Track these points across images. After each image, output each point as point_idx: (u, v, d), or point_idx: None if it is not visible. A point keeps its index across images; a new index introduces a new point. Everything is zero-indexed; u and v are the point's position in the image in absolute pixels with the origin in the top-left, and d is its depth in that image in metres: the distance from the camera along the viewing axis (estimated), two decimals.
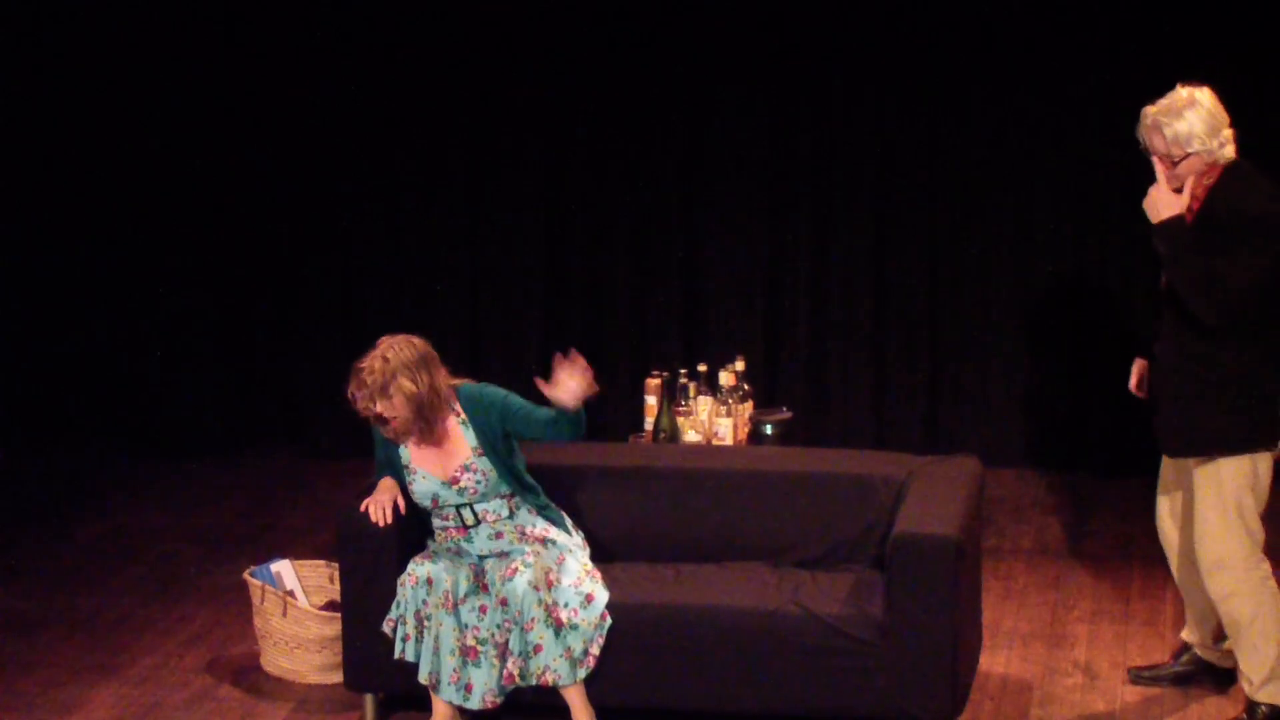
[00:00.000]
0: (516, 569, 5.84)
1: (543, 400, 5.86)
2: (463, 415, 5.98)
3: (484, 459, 5.97)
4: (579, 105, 8.75)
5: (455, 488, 5.96)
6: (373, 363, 5.83)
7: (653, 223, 8.84)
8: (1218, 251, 5.64)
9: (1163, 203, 5.70)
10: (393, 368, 5.81)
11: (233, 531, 8.10)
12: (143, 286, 9.15)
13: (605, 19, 8.64)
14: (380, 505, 5.96)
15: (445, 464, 5.97)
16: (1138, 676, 6.40)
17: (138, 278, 9.14)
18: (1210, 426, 5.77)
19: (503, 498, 6.01)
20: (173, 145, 8.97)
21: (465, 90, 8.80)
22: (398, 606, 5.92)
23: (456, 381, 6.02)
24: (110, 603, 7.31)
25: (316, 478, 8.78)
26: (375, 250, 9.03)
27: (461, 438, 5.98)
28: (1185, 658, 6.34)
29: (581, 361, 5.83)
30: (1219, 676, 6.23)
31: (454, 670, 5.87)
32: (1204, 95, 5.73)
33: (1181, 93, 5.74)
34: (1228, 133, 5.74)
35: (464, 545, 6.01)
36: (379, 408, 5.82)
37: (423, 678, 5.90)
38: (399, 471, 6.04)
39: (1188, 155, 5.70)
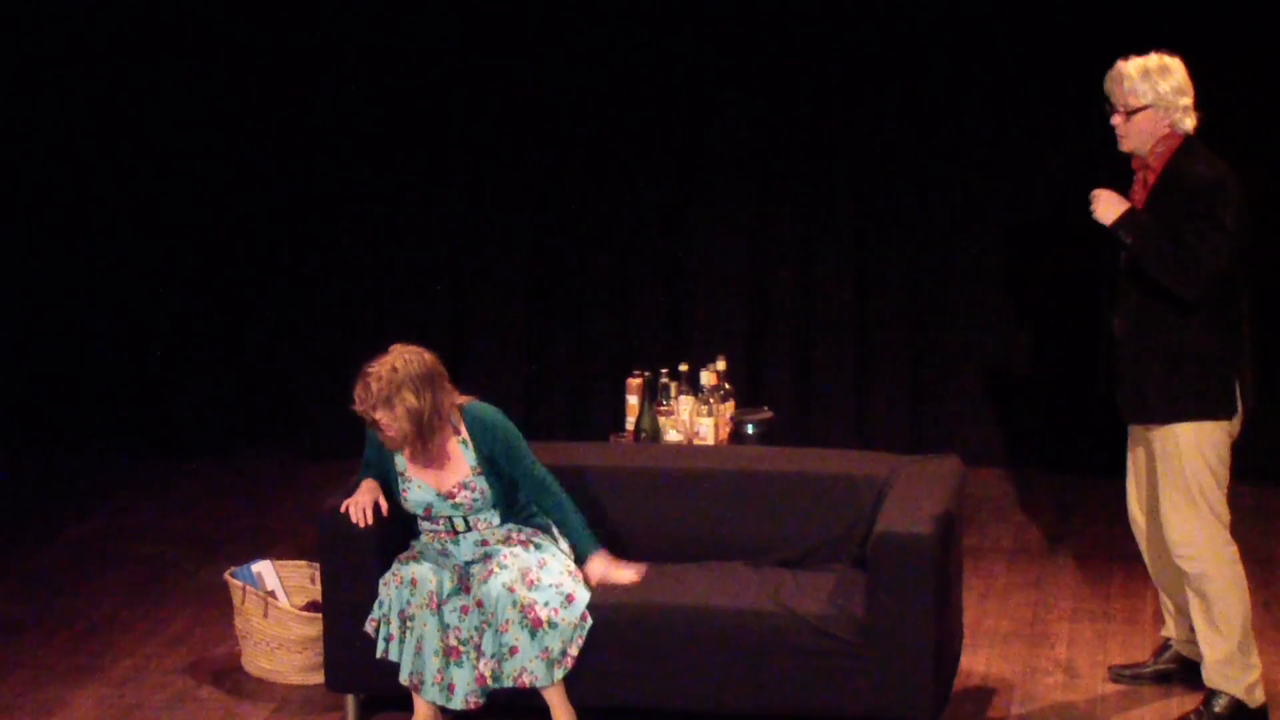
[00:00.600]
0: (493, 570, 5.85)
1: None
2: (464, 434, 5.96)
3: (482, 478, 5.97)
4: (565, 107, 8.76)
5: (450, 502, 5.97)
6: (381, 369, 5.80)
7: (635, 223, 8.85)
8: (1180, 218, 5.72)
9: (1107, 203, 5.84)
10: (400, 379, 5.77)
11: (216, 532, 8.09)
12: (136, 288, 9.15)
13: (595, 22, 8.66)
14: (361, 507, 5.96)
15: (441, 479, 5.97)
16: (1118, 675, 6.41)
17: (131, 279, 9.14)
18: (1167, 393, 5.85)
19: (495, 509, 6.01)
20: (166, 146, 8.97)
21: (453, 91, 8.80)
22: (380, 606, 5.92)
23: (463, 400, 6.00)
24: (92, 604, 7.30)
25: (303, 478, 8.77)
26: (364, 249, 9.03)
27: (461, 457, 5.97)
28: (1166, 655, 6.36)
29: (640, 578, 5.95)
30: (1200, 674, 6.24)
31: (437, 671, 5.87)
32: (1175, 63, 5.86)
33: (1155, 55, 5.86)
34: (1188, 102, 5.83)
35: (450, 548, 6.01)
36: (379, 416, 5.80)
37: (405, 678, 5.90)
38: (389, 475, 6.03)
39: (1144, 108, 5.79)
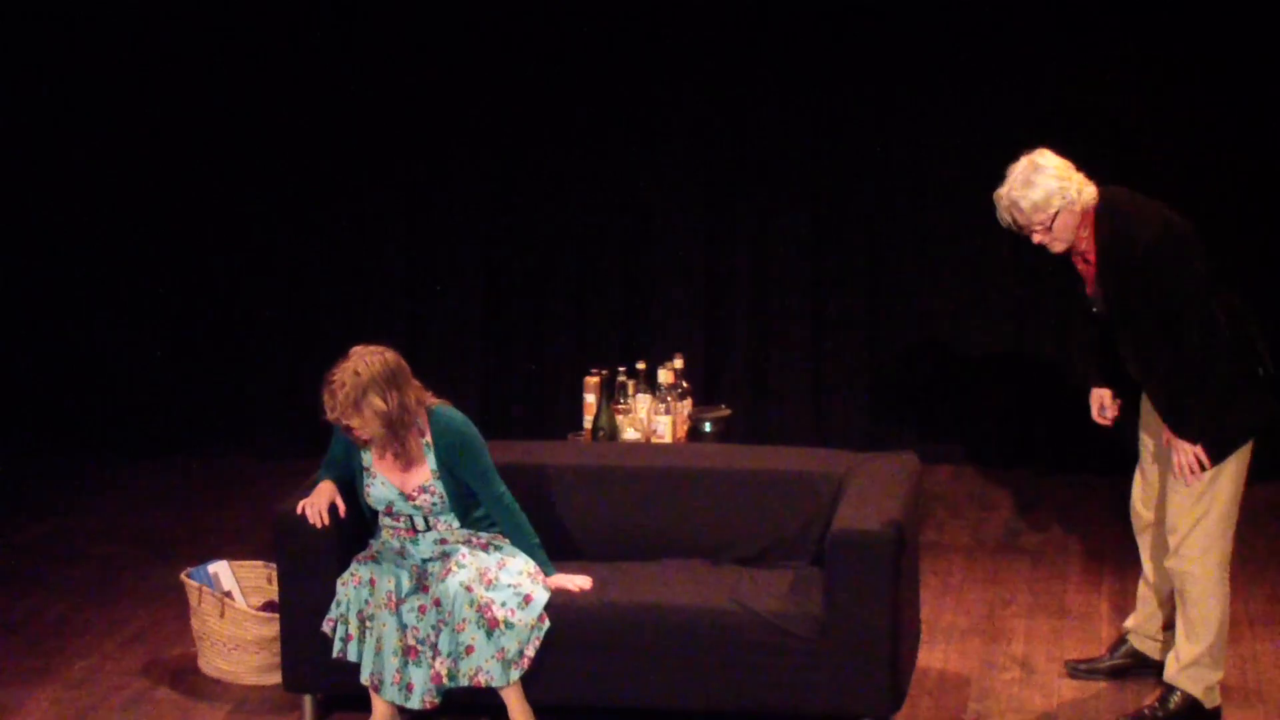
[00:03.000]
0: (451, 569, 5.84)
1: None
2: (428, 437, 5.94)
3: (439, 483, 5.95)
4: (521, 107, 8.75)
5: (412, 502, 5.96)
6: (344, 376, 5.74)
7: (592, 222, 8.85)
8: (1136, 285, 5.71)
9: (1189, 460, 5.80)
10: (364, 383, 5.72)
11: (171, 533, 8.06)
12: (89, 288, 9.10)
13: (551, 22, 8.65)
14: (317, 508, 5.94)
15: (406, 479, 5.96)
16: (1074, 670, 6.44)
17: (84, 279, 9.09)
18: (1222, 432, 5.83)
19: (454, 514, 6.01)
20: (117, 151, 8.93)
21: (408, 93, 8.79)
22: (338, 606, 5.91)
23: (434, 402, 5.97)
24: (47, 605, 7.26)
25: (258, 479, 8.75)
26: (319, 250, 9.01)
27: (423, 459, 5.95)
28: (1122, 650, 6.39)
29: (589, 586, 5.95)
30: (1155, 669, 6.27)
31: (396, 670, 5.86)
32: (1044, 156, 5.81)
33: (1021, 162, 5.81)
34: (1079, 177, 5.79)
35: (409, 546, 6.00)
36: (351, 422, 5.76)
37: (365, 678, 5.89)
38: (354, 470, 6.02)
39: (1056, 214, 5.75)
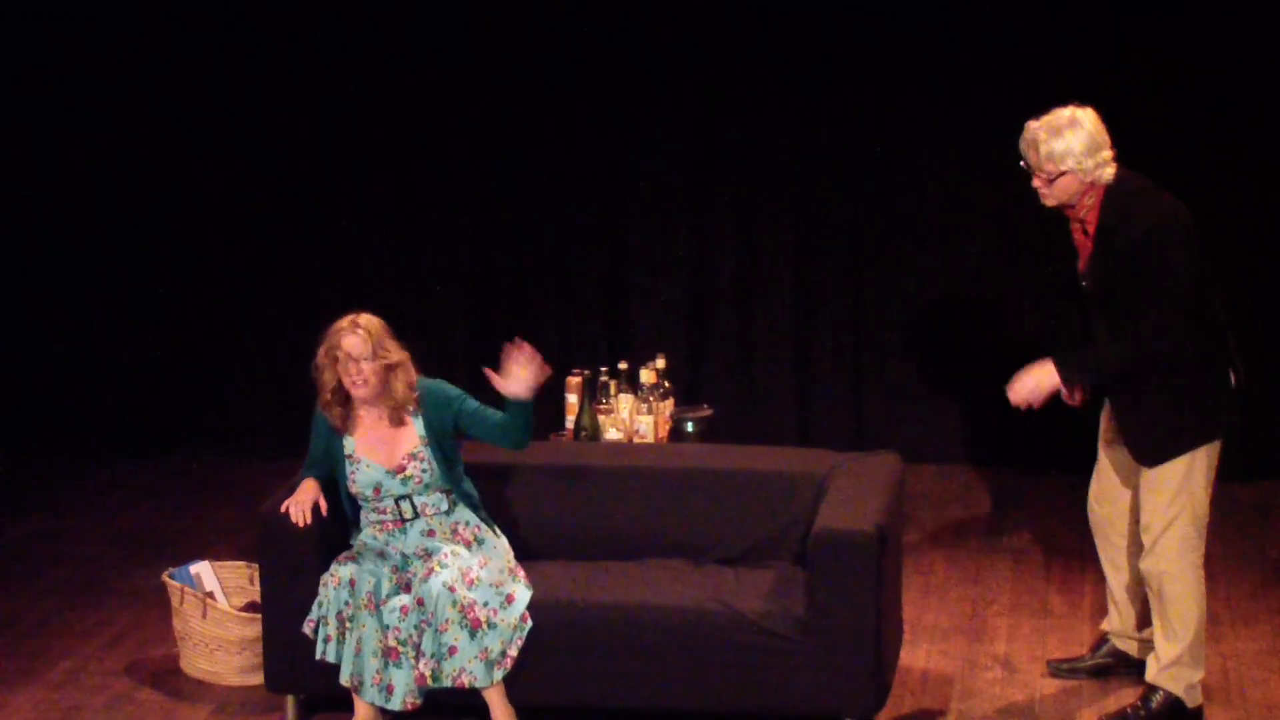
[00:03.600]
0: (433, 569, 5.84)
1: (493, 399, 5.90)
2: (413, 405, 6.00)
3: (429, 449, 5.98)
4: (503, 106, 8.74)
5: (400, 476, 5.97)
6: (368, 323, 5.89)
7: (574, 220, 8.84)
8: (1131, 274, 5.71)
9: (1036, 382, 5.83)
10: (381, 330, 5.90)
11: (154, 534, 8.05)
12: (70, 289, 9.07)
13: (534, 23, 8.64)
14: (300, 507, 5.95)
15: (391, 452, 5.97)
16: (1056, 669, 6.45)
17: (65, 280, 9.06)
18: (1175, 430, 5.83)
19: (443, 492, 6.02)
20: (113, 151, 8.92)
21: (389, 93, 8.78)
22: (319, 607, 5.91)
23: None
24: (29, 605, 7.25)
25: (239, 479, 8.73)
26: (301, 251, 8.99)
27: (411, 426, 5.99)
28: (1103, 650, 6.40)
29: (529, 349, 5.91)
30: (1137, 668, 6.28)
31: (376, 672, 5.85)
32: (1086, 116, 5.78)
33: (1064, 112, 5.79)
34: (1107, 154, 5.78)
35: (394, 541, 6.00)
36: (363, 366, 5.83)
37: (345, 679, 5.88)
38: (337, 463, 6.03)
39: (1062, 173, 5.76)
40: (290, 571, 5.99)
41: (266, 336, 9.02)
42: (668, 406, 6.99)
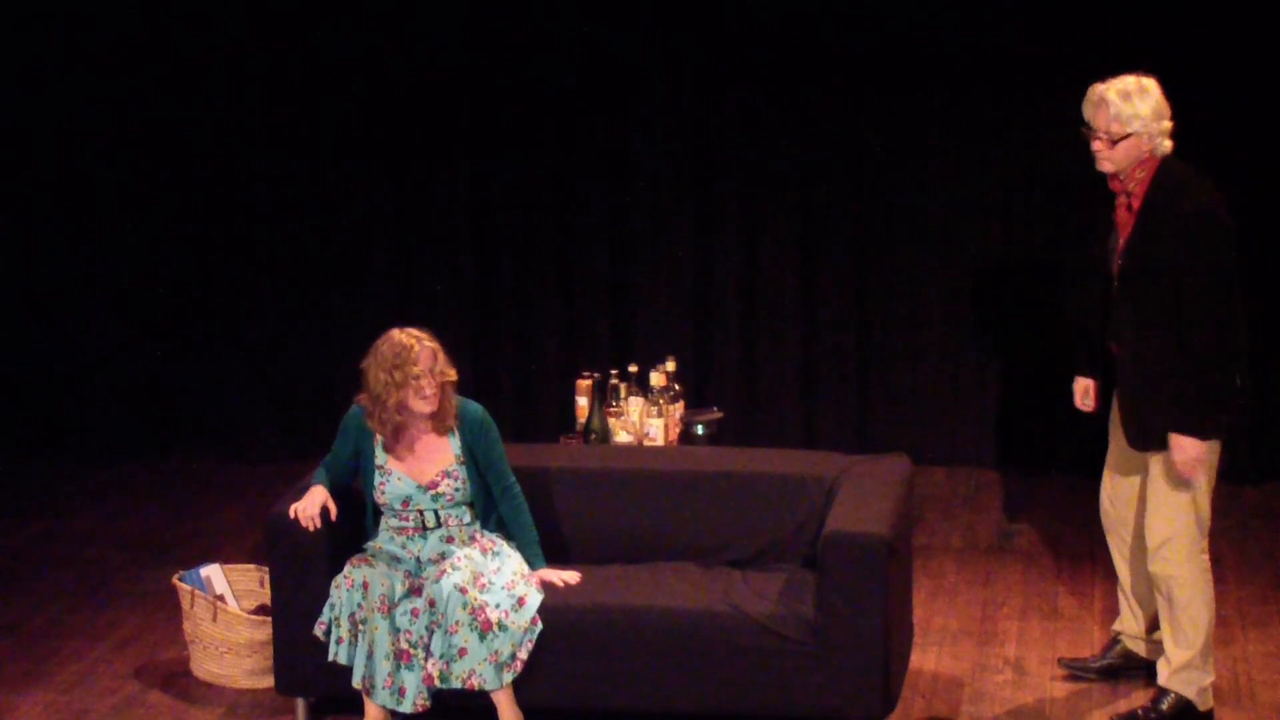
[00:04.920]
0: (445, 571, 5.84)
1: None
2: (452, 421, 6.03)
3: (464, 468, 6.00)
4: (510, 108, 8.74)
5: (432, 492, 5.98)
6: (426, 337, 5.97)
7: (582, 223, 8.84)
8: (1171, 248, 5.71)
9: (1192, 458, 5.79)
10: (439, 347, 5.99)
11: (161, 536, 8.05)
12: (77, 291, 9.07)
13: (540, 28, 8.63)
14: (308, 513, 5.95)
15: (425, 467, 6.00)
16: (1067, 666, 6.44)
17: (57, 278, 9.06)
18: (1174, 417, 5.82)
19: (468, 505, 6.03)
20: (112, 151, 8.91)
21: (394, 97, 8.78)
22: (331, 609, 5.91)
23: None
24: (38, 608, 7.25)
25: (245, 481, 8.73)
26: (307, 254, 8.99)
27: (447, 445, 6.01)
28: (1114, 652, 6.39)
29: (576, 581, 6.01)
30: (1147, 670, 6.28)
31: (388, 674, 5.85)
32: (1153, 84, 5.82)
33: (1131, 78, 5.82)
34: (1169, 125, 5.82)
35: (411, 545, 6.00)
36: (433, 381, 5.90)
37: (356, 682, 5.88)
38: (366, 473, 6.04)
39: (1127, 135, 5.77)
40: (299, 574, 5.99)
41: (266, 337, 9.02)
42: (677, 409, 6.99)
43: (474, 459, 6.02)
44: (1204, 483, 5.91)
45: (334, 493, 6.03)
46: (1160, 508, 5.92)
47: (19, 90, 8.90)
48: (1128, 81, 5.80)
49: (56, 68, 8.86)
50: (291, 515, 5.95)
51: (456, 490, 5.99)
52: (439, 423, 6.00)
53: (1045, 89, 8.30)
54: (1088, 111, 5.85)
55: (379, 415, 5.96)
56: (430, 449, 6.01)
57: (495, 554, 5.99)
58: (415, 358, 5.91)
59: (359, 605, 5.85)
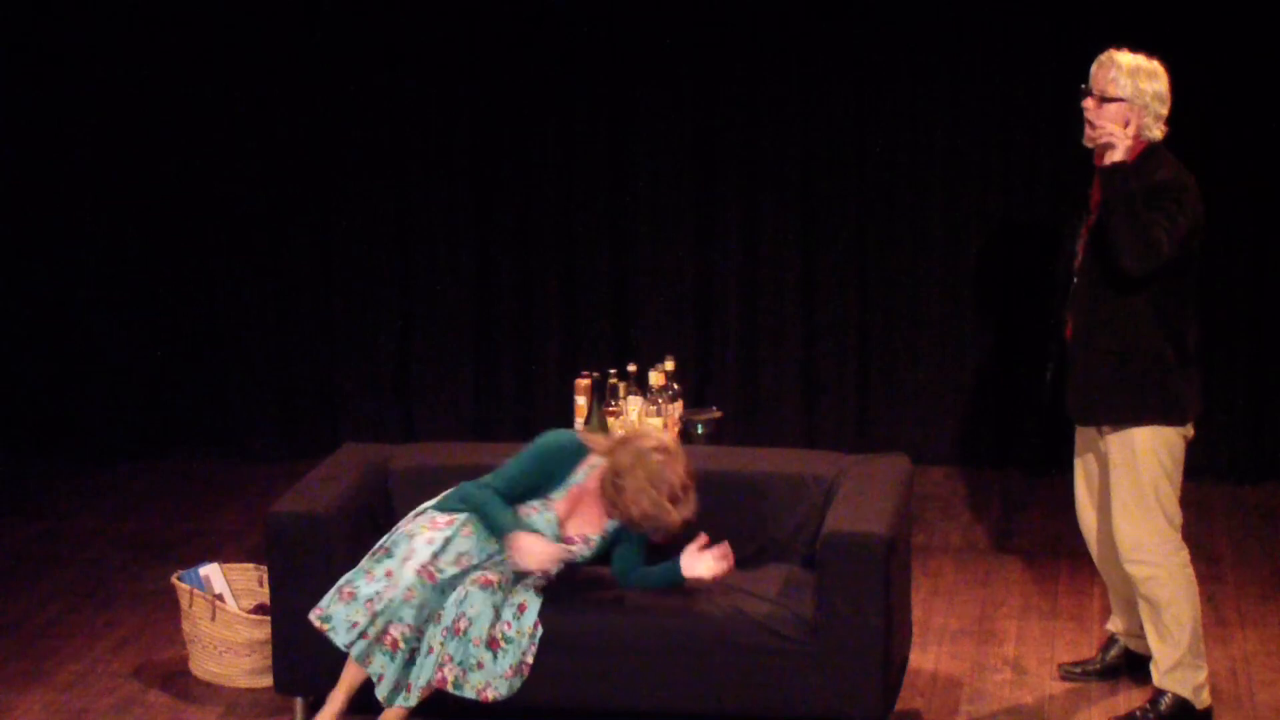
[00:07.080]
0: (488, 580, 5.81)
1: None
2: None
3: (601, 542, 5.96)
4: (509, 107, 8.74)
5: (560, 543, 5.93)
6: (675, 449, 5.86)
7: (582, 222, 8.84)
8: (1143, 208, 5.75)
9: (1109, 141, 5.75)
10: None
11: (161, 536, 8.05)
12: (77, 290, 9.06)
13: (537, 26, 8.64)
14: (555, 557, 5.88)
15: (576, 523, 5.95)
16: (1068, 673, 6.44)
17: (58, 278, 9.06)
18: (1120, 395, 5.87)
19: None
20: (111, 151, 8.91)
21: (394, 95, 8.78)
22: (379, 603, 5.77)
23: None
24: (36, 607, 7.25)
25: (244, 481, 8.73)
26: (308, 251, 8.99)
27: (603, 518, 5.94)
28: (1112, 651, 6.40)
29: (730, 558, 5.87)
30: (1146, 668, 6.27)
31: (397, 674, 5.82)
32: (1164, 73, 5.87)
33: (1147, 58, 5.87)
34: (1164, 112, 5.85)
35: (485, 544, 5.91)
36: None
37: (381, 695, 5.81)
38: (532, 492, 5.96)
39: (1118, 99, 5.80)
40: (299, 574, 5.98)
41: (266, 337, 9.02)
42: (676, 409, 6.99)
43: (612, 543, 5.96)
44: (1165, 480, 5.90)
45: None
46: (1125, 511, 5.92)
47: (19, 90, 8.90)
48: (1140, 57, 5.86)
49: (57, 68, 8.86)
50: (539, 571, 5.86)
51: (581, 555, 5.95)
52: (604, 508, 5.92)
53: (1047, 90, 8.30)
54: (1093, 70, 5.90)
55: (620, 508, 5.83)
56: (592, 510, 5.93)
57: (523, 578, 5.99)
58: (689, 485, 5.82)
59: (408, 624, 5.76)
